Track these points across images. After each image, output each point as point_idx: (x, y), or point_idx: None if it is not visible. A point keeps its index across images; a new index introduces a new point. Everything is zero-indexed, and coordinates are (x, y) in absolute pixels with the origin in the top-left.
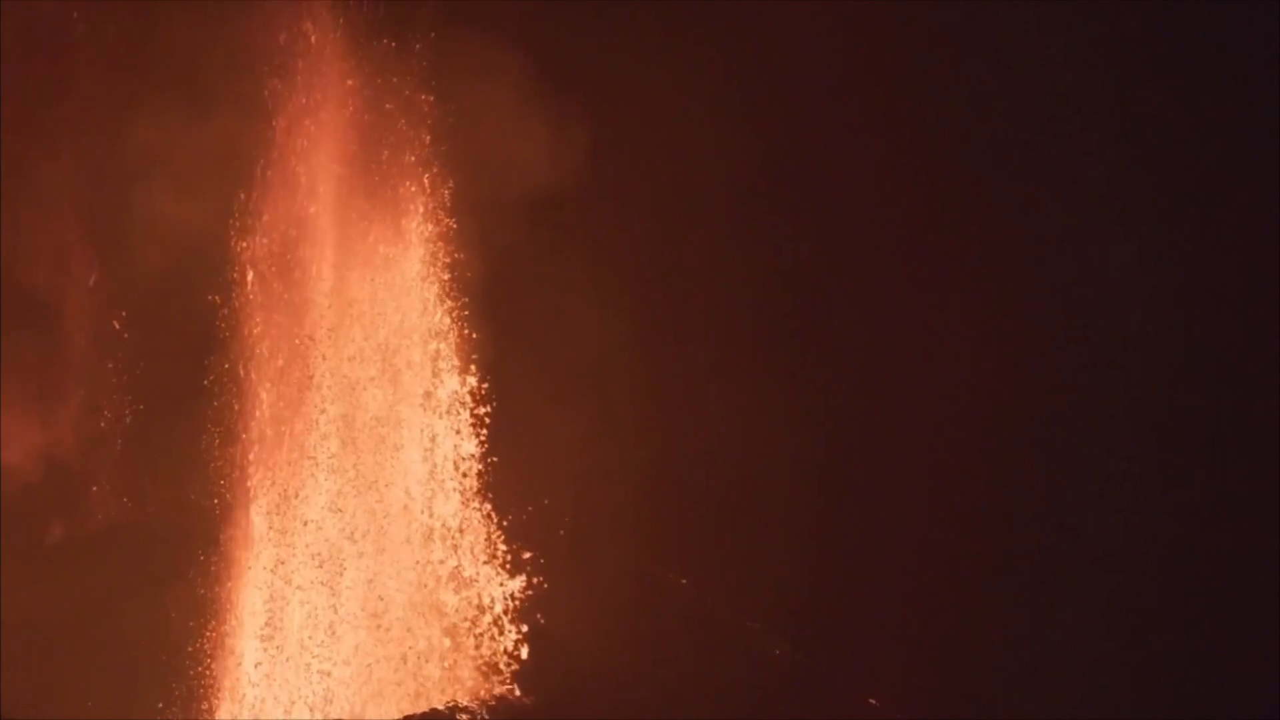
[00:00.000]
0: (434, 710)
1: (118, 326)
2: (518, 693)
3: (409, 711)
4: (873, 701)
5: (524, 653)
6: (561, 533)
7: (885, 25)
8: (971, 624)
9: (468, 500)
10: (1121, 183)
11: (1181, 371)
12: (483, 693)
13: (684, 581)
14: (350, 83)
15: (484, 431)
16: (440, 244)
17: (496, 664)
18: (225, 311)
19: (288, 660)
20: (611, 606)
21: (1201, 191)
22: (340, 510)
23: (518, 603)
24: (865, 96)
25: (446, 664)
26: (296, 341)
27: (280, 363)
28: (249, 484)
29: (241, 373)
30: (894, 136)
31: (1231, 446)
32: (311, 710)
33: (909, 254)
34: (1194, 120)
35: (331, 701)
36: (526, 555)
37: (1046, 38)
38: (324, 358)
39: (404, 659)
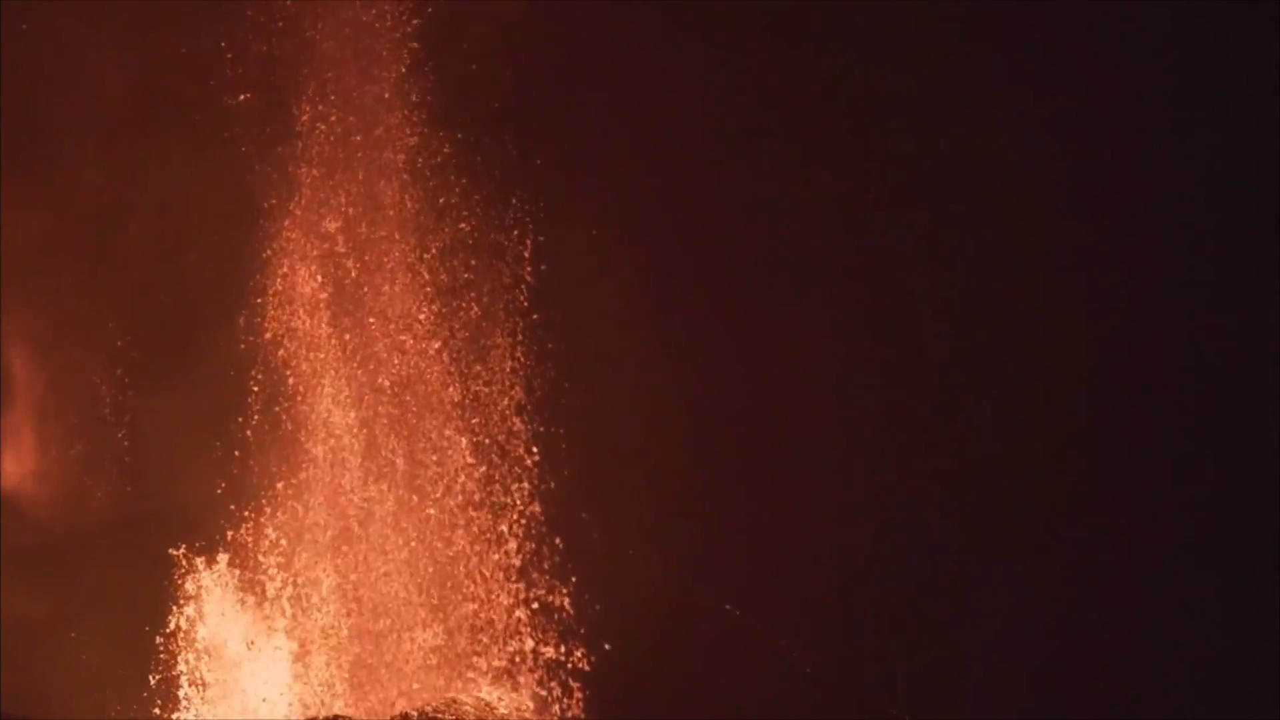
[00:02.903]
0: (432, 709)
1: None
2: (518, 693)
3: (407, 710)
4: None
5: (525, 652)
6: (560, 535)
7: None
8: (985, 625)
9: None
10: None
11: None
12: (481, 693)
13: (727, 606)
14: None
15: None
16: None
17: (499, 663)
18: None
19: (288, 659)
20: (614, 605)
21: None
22: (343, 502)
23: (520, 601)
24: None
25: (447, 664)
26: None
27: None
28: (254, 480)
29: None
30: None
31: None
32: (309, 708)
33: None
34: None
35: (330, 700)
36: (532, 554)
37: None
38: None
39: (406, 657)
